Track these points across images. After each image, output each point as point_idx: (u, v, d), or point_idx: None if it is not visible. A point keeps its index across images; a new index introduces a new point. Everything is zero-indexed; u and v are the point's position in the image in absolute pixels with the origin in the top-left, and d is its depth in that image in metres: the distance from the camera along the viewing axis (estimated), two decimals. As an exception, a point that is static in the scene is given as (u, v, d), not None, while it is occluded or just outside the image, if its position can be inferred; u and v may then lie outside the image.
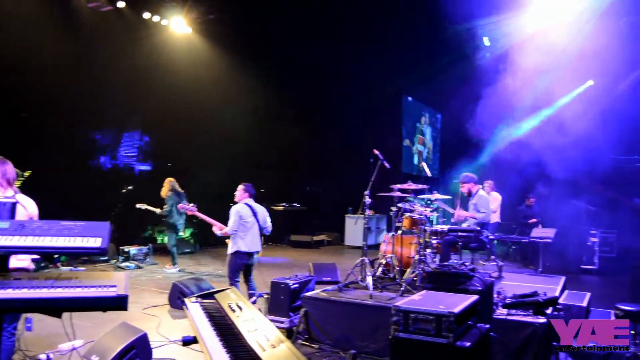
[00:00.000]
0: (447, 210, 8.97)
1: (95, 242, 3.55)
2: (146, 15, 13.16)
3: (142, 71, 13.11)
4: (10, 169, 4.58)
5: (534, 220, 12.92)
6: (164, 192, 11.55)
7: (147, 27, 13.41)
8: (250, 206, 7.53)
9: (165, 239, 12.07)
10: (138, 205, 11.47)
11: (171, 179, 11.74)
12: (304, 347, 6.46)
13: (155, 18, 13.36)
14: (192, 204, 8.05)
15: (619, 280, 11.15)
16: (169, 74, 13.68)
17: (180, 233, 12.27)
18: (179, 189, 11.73)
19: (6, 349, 4.36)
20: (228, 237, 7.46)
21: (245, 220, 7.40)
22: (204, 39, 14.37)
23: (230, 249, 7.43)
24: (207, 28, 14.15)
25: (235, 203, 7.59)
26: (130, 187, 12.26)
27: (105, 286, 3.44)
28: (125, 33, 12.84)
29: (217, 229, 7.55)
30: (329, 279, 9.57)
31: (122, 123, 13.80)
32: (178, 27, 13.73)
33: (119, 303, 3.47)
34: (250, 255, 7.45)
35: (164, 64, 13.66)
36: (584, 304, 7.06)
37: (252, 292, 7.55)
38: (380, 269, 7.86)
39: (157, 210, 11.51)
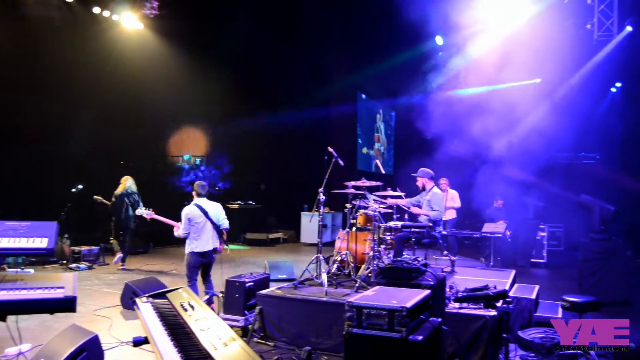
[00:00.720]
0: (403, 207, 9.04)
1: (41, 243, 3.47)
2: (96, 9, 12.83)
3: (90, 67, 12.82)
4: None
5: (501, 222, 12.98)
6: (120, 189, 11.52)
7: (97, 22, 13.09)
8: (199, 206, 7.46)
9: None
10: (95, 197, 11.46)
11: (128, 177, 11.74)
12: (259, 345, 6.44)
13: (106, 13, 13.04)
14: (150, 209, 7.93)
15: (567, 273, 11.53)
16: (119, 70, 13.41)
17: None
18: (134, 189, 11.67)
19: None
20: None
21: (196, 221, 7.35)
22: (155, 35, 14.09)
23: (186, 249, 7.39)
24: (158, 24, 13.88)
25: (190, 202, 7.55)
26: (80, 186, 11.96)
27: (52, 288, 3.36)
28: (74, 27, 12.52)
29: (176, 229, 7.50)
30: (284, 276, 9.60)
31: (70, 120, 13.40)
32: (129, 23, 13.44)
33: (66, 304, 3.40)
34: (204, 254, 7.39)
35: (114, 60, 13.37)
36: (533, 296, 7.27)
37: (208, 291, 7.49)
38: (335, 266, 7.91)
39: (108, 204, 11.51)
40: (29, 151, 12.16)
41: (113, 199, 11.47)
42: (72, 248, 11.80)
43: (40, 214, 8.80)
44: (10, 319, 3.67)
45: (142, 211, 8.19)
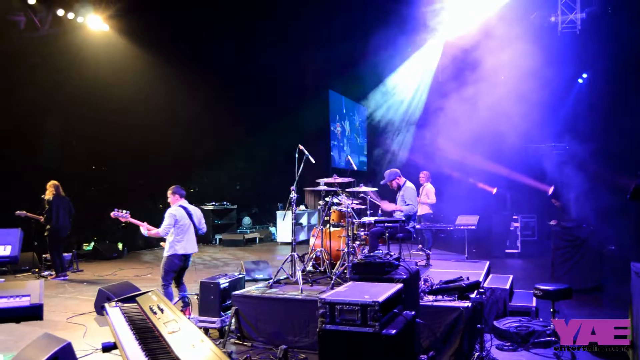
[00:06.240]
0: (375, 202, 9.06)
1: (4, 250, 3.40)
2: (60, 12, 12.62)
3: (57, 71, 12.64)
4: None
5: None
6: (48, 195, 10.98)
7: (62, 24, 12.88)
8: (185, 208, 7.43)
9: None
10: (17, 213, 10.71)
11: (55, 182, 11.16)
12: (236, 346, 6.42)
13: (70, 15, 12.83)
14: (125, 211, 7.65)
15: (540, 262, 11.68)
16: (85, 73, 13.23)
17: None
18: (62, 193, 11.21)
19: None
20: (163, 240, 7.32)
21: (182, 222, 7.28)
22: (123, 37, 13.90)
23: (166, 251, 7.28)
24: (125, 25, 13.70)
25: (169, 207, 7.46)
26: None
27: (17, 296, 3.29)
28: (38, 30, 12.35)
29: (144, 229, 7.33)
30: (261, 276, 9.57)
31: (38, 125, 13.18)
32: (94, 24, 13.24)
33: (33, 312, 3.34)
34: (186, 257, 7.35)
35: (79, 63, 13.17)
36: (507, 286, 7.35)
37: (183, 294, 7.43)
38: (310, 264, 7.90)
39: (41, 219, 10.89)
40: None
41: (46, 206, 10.89)
42: (44, 256, 11.55)
43: (7, 222, 8.62)
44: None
45: (118, 213, 7.75)
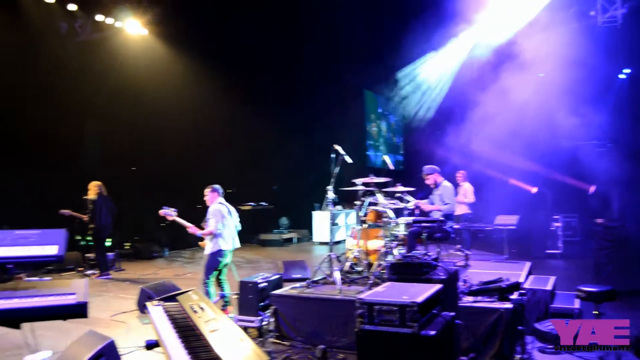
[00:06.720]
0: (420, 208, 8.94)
1: (51, 250, 3.51)
2: (99, 17, 12.92)
3: (97, 76, 12.95)
4: None
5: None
6: (91, 195, 11.24)
7: (101, 29, 13.21)
8: (226, 205, 7.58)
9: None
10: (62, 211, 11.00)
11: (98, 182, 11.41)
12: (275, 345, 6.45)
13: (109, 20, 13.12)
14: (172, 209, 7.72)
15: (583, 263, 11.41)
16: (123, 77, 13.53)
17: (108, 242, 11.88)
18: (105, 193, 11.46)
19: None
20: (202, 240, 7.44)
21: (226, 219, 7.44)
22: (161, 41, 14.16)
23: (210, 249, 7.39)
24: (163, 29, 13.95)
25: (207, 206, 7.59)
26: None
27: (63, 294, 3.39)
28: (78, 35, 12.70)
29: (194, 231, 7.45)
30: (299, 276, 9.60)
31: (78, 127, 13.53)
32: (133, 29, 13.50)
33: (78, 310, 3.43)
34: (229, 253, 7.50)
35: (118, 67, 13.47)
36: (549, 287, 7.20)
37: (223, 293, 7.54)
38: (348, 264, 7.89)
39: (85, 218, 11.16)
40: (39, 161, 12.27)
41: (90, 206, 11.15)
42: (87, 255, 11.85)
43: (52, 222, 8.85)
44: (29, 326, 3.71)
45: (166, 211, 7.76)
